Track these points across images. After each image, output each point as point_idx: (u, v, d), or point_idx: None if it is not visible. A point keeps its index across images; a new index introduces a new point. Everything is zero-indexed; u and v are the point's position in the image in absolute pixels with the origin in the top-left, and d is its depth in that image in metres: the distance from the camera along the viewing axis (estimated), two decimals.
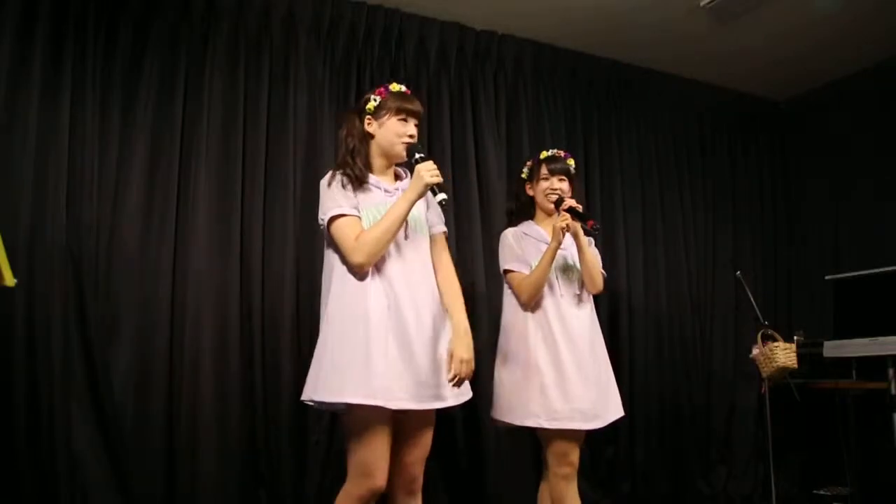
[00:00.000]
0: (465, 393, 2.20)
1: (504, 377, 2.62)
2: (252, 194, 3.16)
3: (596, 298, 3.81)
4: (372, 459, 2.03)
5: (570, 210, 2.60)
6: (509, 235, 2.75)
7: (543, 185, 2.72)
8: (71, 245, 2.81)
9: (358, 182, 2.18)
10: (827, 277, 4.03)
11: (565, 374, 2.52)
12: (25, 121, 2.77)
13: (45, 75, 2.83)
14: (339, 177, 2.19)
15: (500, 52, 3.86)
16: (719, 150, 4.56)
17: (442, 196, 2.10)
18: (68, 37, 2.89)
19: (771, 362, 3.55)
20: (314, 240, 3.24)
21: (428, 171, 2.09)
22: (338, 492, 2.10)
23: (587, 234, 2.64)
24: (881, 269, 3.73)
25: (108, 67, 2.98)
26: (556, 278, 2.65)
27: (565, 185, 2.71)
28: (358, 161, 2.20)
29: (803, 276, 4.51)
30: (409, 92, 2.29)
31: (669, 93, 4.39)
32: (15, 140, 2.75)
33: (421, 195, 2.13)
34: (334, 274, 2.17)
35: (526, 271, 2.66)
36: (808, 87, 4.61)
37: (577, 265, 2.69)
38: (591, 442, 3.70)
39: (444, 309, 2.21)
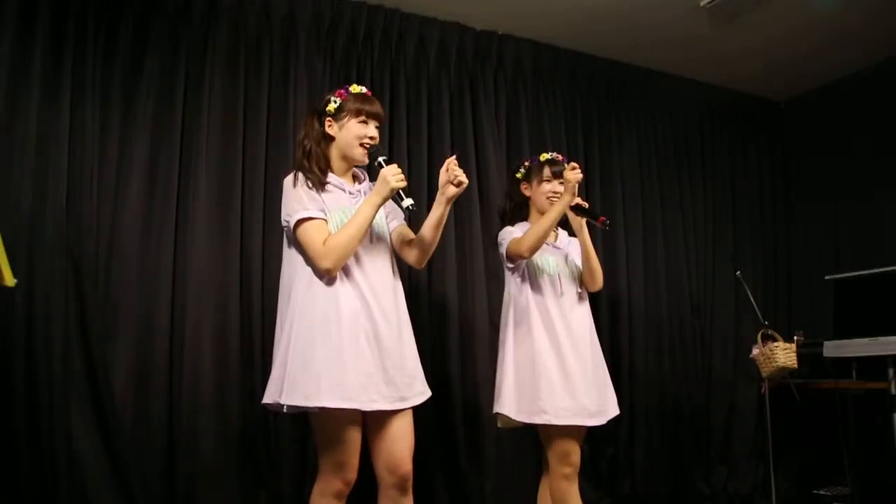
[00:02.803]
0: (425, 392, 2.22)
1: (509, 376, 2.61)
2: (252, 194, 3.16)
3: (596, 298, 3.86)
4: (345, 457, 2.06)
5: (577, 207, 2.62)
6: (514, 232, 2.71)
7: (546, 187, 2.70)
8: (71, 245, 2.81)
9: (319, 184, 2.16)
10: (827, 277, 4.03)
11: (570, 372, 2.54)
12: (25, 121, 2.77)
13: (45, 75, 2.83)
14: (301, 178, 2.16)
15: (500, 52, 3.86)
16: (719, 150, 4.56)
17: (409, 202, 2.09)
18: (68, 37, 2.89)
19: (771, 362, 3.55)
20: None
21: (393, 176, 2.07)
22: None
23: (605, 228, 2.66)
24: (881, 269, 3.73)
25: (108, 67, 2.98)
26: (559, 277, 2.65)
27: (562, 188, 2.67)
28: (314, 163, 2.18)
29: (803, 276, 4.51)
30: (369, 93, 2.27)
31: (669, 93, 4.39)
32: (15, 140, 2.75)
33: (386, 199, 2.11)
34: (298, 276, 2.14)
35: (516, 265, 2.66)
36: (808, 87, 4.61)
37: (577, 264, 2.71)
38: (591, 442, 3.71)
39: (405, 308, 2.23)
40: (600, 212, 3.95)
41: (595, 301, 3.83)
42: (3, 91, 2.75)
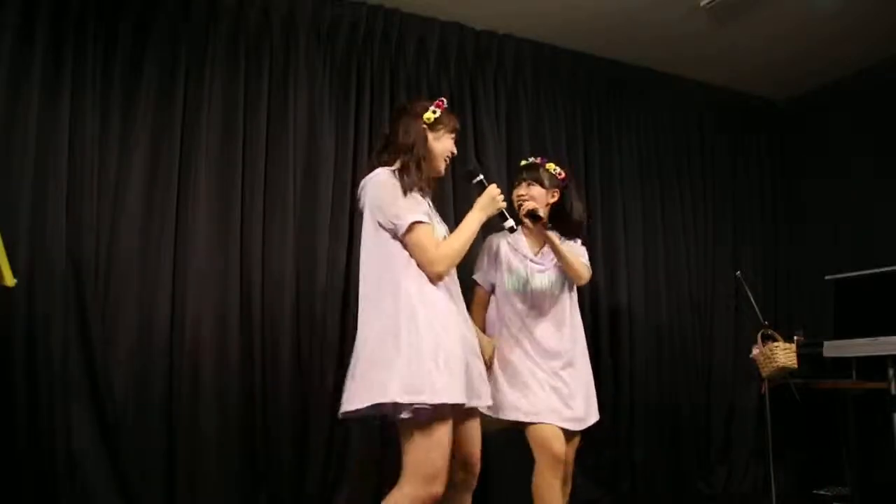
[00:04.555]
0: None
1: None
2: (252, 194, 3.16)
3: (596, 298, 3.86)
4: (442, 465, 1.98)
5: (529, 213, 2.62)
6: (484, 243, 2.78)
7: (514, 193, 2.71)
8: (71, 245, 2.81)
9: (420, 189, 2.16)
10: (827, 277, 4.03)
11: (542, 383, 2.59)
12: (25, 121, 2.77)
13: (45, 75, 2.83)
14: (405, 180, 2.12)
15: (500, 52, 3.86)
16: (719, 149, 4.56)
17: (511, 223, 2.29)
18: (68, 37, 2.90)
19: (771, 362, 3.55)
20: (314, 239, 3.24)
21: (499, 195, 2.25)
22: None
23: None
24: (881, 269, 3.73)
25: (108, 67, 2.99)
26: (530, 295, 2.66)
27: (535, 191, 2.67)
28: (422, 170, 2.17)
29: (803, 276, 4.51)
30: None
31: (669, 93, 4.39)
32: (15, 140, 2.75)
33: (491, 216, 2.26)
34: (404, 275, 2.08)
35: (486, 287, 2.74)
36: (808, 87, 4.61)
37: (553, 282, 2.68)
38: (592, 442, 3.71)
39: None
40: (600, 212, 3.98)
41: (595, 301, 3.86)
42: (3, 91, 2.75)
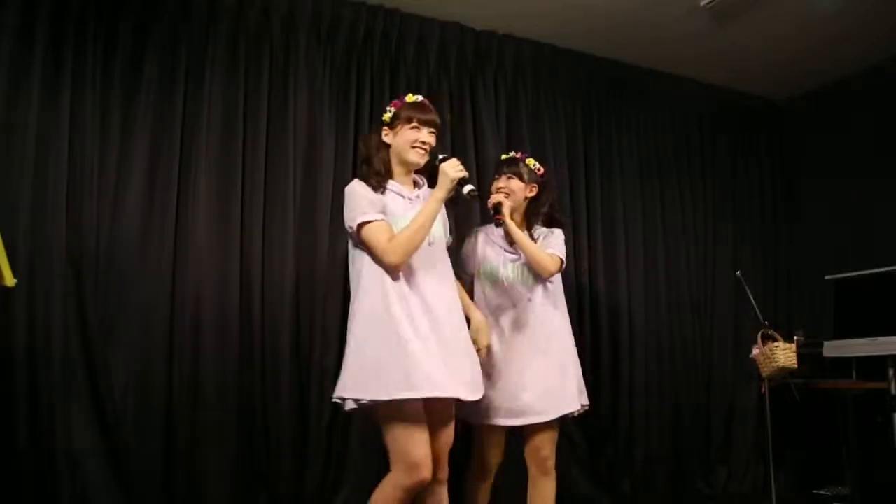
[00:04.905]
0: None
1: None
2: (252, 194, 3.16)
3: (596, 298, 3.86)
4: (422, 452, 2.14)
5: (494, 206, 2.71)
6: (469, 235, 2.89)
7: (493, 185, 2.81)
8: (71, 245, 2.81)
9: (379, 187, 2.30)
10: (827, 277, 4.03)
11: (494, 374, 2.65)
12: (25, 121, 2.77)
13: (45, 75, 2.83)
14: (362, 183, 2.31)
15: (500, 52, 3.86)
16: (719, 150, 4.56)
17: (470, 187, 2.27)
18: (68, 37, 2.89)
19: (771, 362, 3.55)
20: (314, 240, 3.24)
21: (452, 168, 2.25)
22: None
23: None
24: (881, 269, 3.73)
25: (108, 67, 2.99)
26: (502, 283, 2.72)
27: (514, 184, 2.75)
28: (373, 169, 2.33)
29: (803, 276, 4.51)
30: (426, 102, 2.41)
31: (669, 93, 4.39)
32: (15, 140, 2.75)
33: (449, 191, 2.26)
34: (363, 276, 2.26)
35: (463, 276, 2.80)
36: (808, 87, 4.61)
37: (525, 272, 2.72)
38: (592, 442, 3.71)
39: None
40: (600, 212, 3.98)
41: (595, 301, 3.86)
42: (3, 91, 2.75)
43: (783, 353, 3.54)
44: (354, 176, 3.27)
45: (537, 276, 2.71)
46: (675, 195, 4.32)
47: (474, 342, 2.44)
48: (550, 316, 2.74)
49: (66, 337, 2.76)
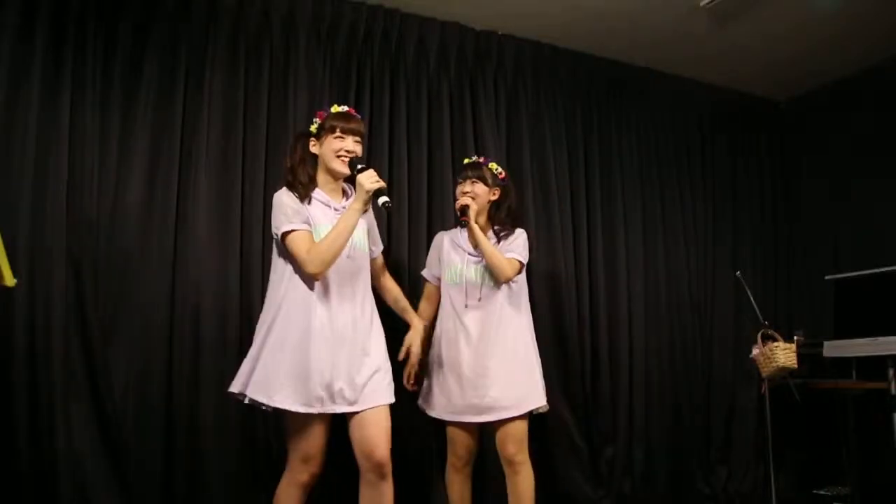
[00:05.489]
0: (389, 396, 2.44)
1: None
2: (252, 194, 3.16)
3: (596, 298, 3.86)
4: (310, 448, 2.33)
5: (461, 209, 2.84)
6: (434, 240, 3.03)
7: (458, 189, 2.91)
8: (71, 245, 2.81)
9: (305, 197, 2.39)
10: (827, 277, 4.03)
11: (462, 373, 2.76)
12: (25, 121, 2.77)
13: (45, 75, 2.83)
14: (288, 193, 2.40)
15: (500, 52, 3.86)
16: (719, 150, 4.56)
17: (384, 199, 2.31)
18: (68, 37, 2.89)
19: (771, 362, 3.55)
20: None
21: (368, 179, 2.30)
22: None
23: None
24: (881, 269, 3.73)
25: (108, 67, 2.98)
26: (465, 286, 2.82)
27: (478, 188, 2.86)
28: (297, 180, 2.42)
29: (803, 276, 4.51)
30: (351, 111, 2.50)
31: (669, 93, 4.39)
32: (15, 140, 2.75)
33: (366, 202, 2.35)
34: (283, 283, 2.36)
35: (433, 281, 2.95)
36: (808, 87, 4.61)
37: (486, 274, 2.82)
38: (592, 442, 3.71)
39: (385, 317, 2.57)
40: (600, 212, 3.98)
41: (595, 301, 3.86)
42: (3, 91, 2.74)
43: (783, 353, 3.54)
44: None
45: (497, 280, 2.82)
46: (675, 195, 4.32)
47: (407, 346, 2.63)
48: (514, 316, 2.84)
49: (66, 337, 2.76)
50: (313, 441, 2.34)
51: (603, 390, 3.80)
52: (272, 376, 2.28)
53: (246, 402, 2.35)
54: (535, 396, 2.79)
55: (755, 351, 3.65)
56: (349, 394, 2.31)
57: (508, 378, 2.74)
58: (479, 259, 2.83)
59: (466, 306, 2.81)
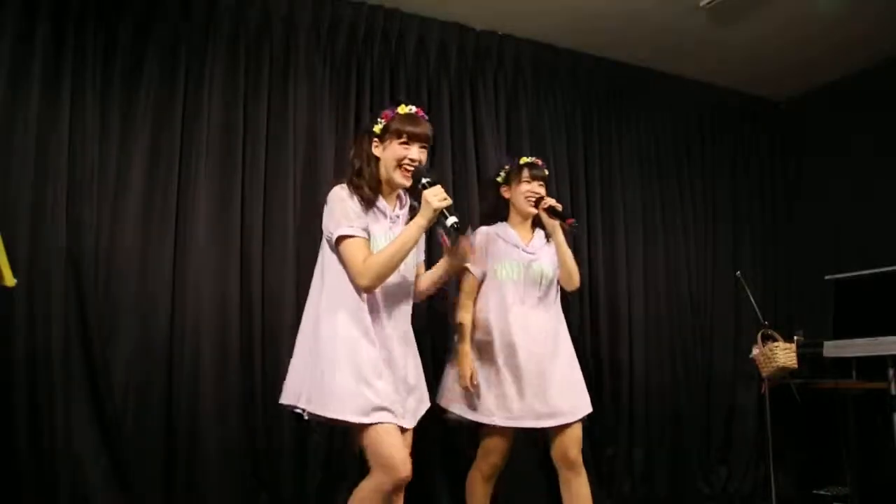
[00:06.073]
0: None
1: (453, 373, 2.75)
2: (252, 194, 3.16)
3: (596, 298, 3.86)
4: (394, 452, 2.08)
5: (550, 209, 2.74)
6: (477, 235, 2.85)
7: (524, 187, 2.81)
8: (71, 245, 2.81)
9: (367, 203, 2.20)
10: (827, 277, 4.03)
11: (518, 376, 2.64)
12: (25, 121, 2.77)
13: (45, 75, 2.83)
14: (352, 194, 2.19)
15: (500, 52, 3.86)
16: (719, 150, 4.56)
17: (453, 219, 2.08)
18: (68, 37, 2.89)
19: (771, 362, 3.55)
20: (314, 239, 3.22)
21: (435, 196, 2.08)
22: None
23: (567, 232, 2.77)
24: (881, 269, 3.73)
25: (108, 67, 2.98)
26: (522, 283, 2.74)
27: (543, 191, 2.82)
28: (364, 183, 2.21)
29: (803, 276, 4.51)
30: (419, 112, 2.27)
31: (669, 93, 4.39)
32: (15, 140, 2.75)
33: (431, 221, 2.11)
34: (331, 291, 2.20)
35: (477, 276, 2.79)
36: (808, 87, 4.61)
37: (545, 271, 2.77)
38: (592, 442, 3.71)
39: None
40: (599, 212, 3.98)
41: (595, 301, 3.86)
42: (3, 91, 2.75)
43: (783, 353, 3.54)
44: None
45: (553, 277, 2.77)
46: (675, 195, 4.32)
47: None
48: (562, 318, 2.80)
49: (66, 337, 2.76)
50: (397, 438, 2.15)
51: (603, 390, 3.79)
52: (343, 396, 2.11)
53: (305, 417, 2.20)
54: (588, 401, 2.76)
55: (755, 351, 3.65)
56: (403, 408, 2.20)
57: (568, 381, 2.70)
58: (536, 257, 2.77)
59: (525, 304, 2.72)
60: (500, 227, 2.85)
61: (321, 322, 2.17)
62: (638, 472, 3.84)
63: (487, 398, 2.65)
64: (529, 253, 2.79)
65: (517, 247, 2.79)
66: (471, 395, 2.66)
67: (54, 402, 2.68)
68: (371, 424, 2.08)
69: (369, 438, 2.09)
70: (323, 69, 3.38)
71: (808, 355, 3.81)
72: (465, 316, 2.74)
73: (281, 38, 3.34)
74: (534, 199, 2.78)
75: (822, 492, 3.92)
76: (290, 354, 3.07)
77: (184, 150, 3.07)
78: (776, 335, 3.64)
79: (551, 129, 3.91)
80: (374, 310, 2.17)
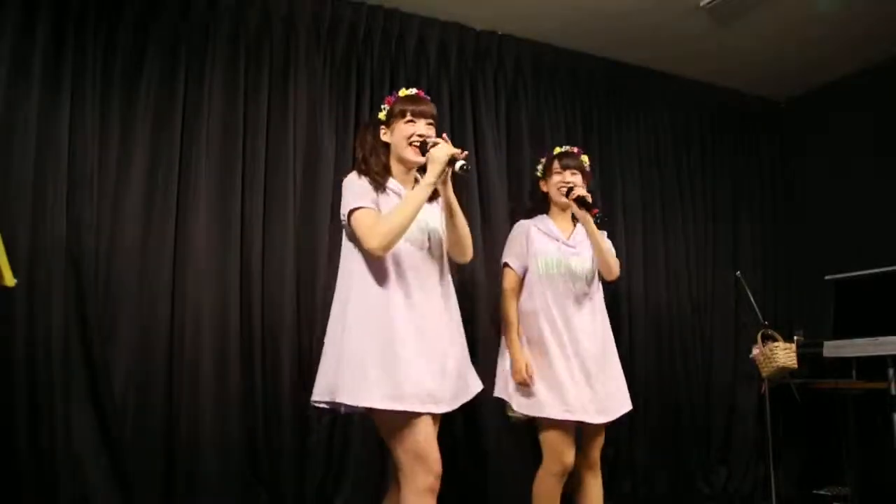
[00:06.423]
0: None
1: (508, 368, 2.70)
2: (252, 194, 3.16)
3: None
4: (422, 448, 2.06)
5: (578, 199, 2.67)
6: (516, 228, 2.83)
7: (556, 178, 2.78)
8: (71, 245, 2.81)
9: (377, 185, 2.19)
10: (827, 277, 4.03)
11: (574, 370, 2.61)
12: (25, 121, 2.77)
13: (45, 75, 2.83)
14: (360, 176, 2.21)
15: (500, 52, 3.86)
16: (719, 149, 4.56)
17: (460, 163, 2.10)
18: (68, 37, 2.89)
19: (771, 362, 3.55)
20: (314, 239, 3.24)
21: (440, 150, 2.10)
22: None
23: (595, 223, 2.69)
24: (881, 269, 3.73)
25: (108, 67, 2.98)
26: (563, 278, 2.69)
27: (578, 179, 2.75)
28: (371, 167, 2.22)
29: (803, 276, 4.51)
30: (420, 93, 2.32)
31: (669, 93, 4.39)
32: (15, 140, 2.75)
33: (439, 175, 2.11)
34: (354, 277, 2.16)
35: (518, 271, 2.76)
36: (808, 87, 4.61)
37: (585, 264, 2.74)
38: None
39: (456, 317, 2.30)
40: (600, 210, 3.97)
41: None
42: (3, 91, 2.74)
43: (783, 353, 3.54)
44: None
45: (595, 271, 2.75)
46: (675, 195, 4.32)
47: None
48: (605, 314, 2.77)
49: (66, 337, 2.76)
50: (430, 430, 2.12)
51: None
52: (369, 378, 2.05)
53: (342, 411, 2.16)
54: (627, 399, 2.74)
55: (755, 351, 3.65)
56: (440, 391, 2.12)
57: (616, 379, 2.70)
58: (577, 251, 2.74)
59: (569, 298, 2.67)
60: (539, 220, 2.81)
61: (347, 313, 2.13)
62: (638, 472, 3.84)
63: (542, 391, 2.61)
64: (570, 246, 2.75)
65: (557, 240, 2.75)
66: (527, 390, 2.62)
67: (54, 402, 2.68)
68: (401, 412, 2.02)
69: (399, 428, 2.04)
70: (323, 69, 3.38)
71: (808, 355, 3.81)
72: (509, 310, 2.73)
73: (281, 38, 3.34)
74: (565, 189, 2.74)
75: (822, 492, 3.92)
76: (290, 354, 3.12)
77: (184, 150, 3.07)
78: (776, 335, 3.64)
79: (551, 129, 3.91)
80: (402, 288, 2.13)
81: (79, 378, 2.77)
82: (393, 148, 2.27)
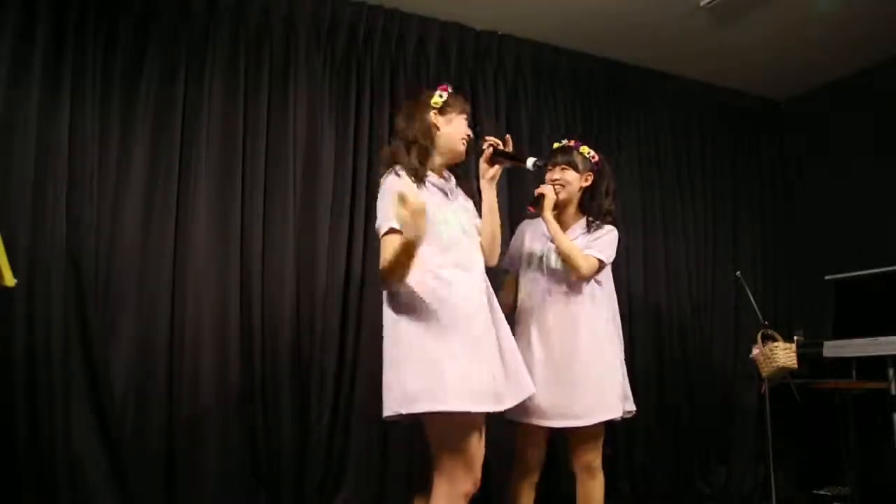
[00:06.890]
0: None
1: None
2: (252, 194, 3.16)
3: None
4: (474, 452, 2.04)
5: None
6: (518, 231, 2.79)
7: (547, 177, 2.65)
8: (71, 245, 2.81)
9: (419, 179, 2.09)
10: (827, 277, 4.03)
11: (533, 373, 2.42)
12: (25, 121, 2.77)
13: (46, 75, 2.83)
14: (402, 175, 2.08)
15: (500, 52, 3.86)
16: (719, 149, 4.56)
17: (532, 160, 2.27)
18: (68, 37, 2.89)
19: (771, 362, 3.55)
20: (314, 240, 3.24)
21: (486, 157, 2.23)
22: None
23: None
24: (881, 269, 3.73)
25: (108, 67, 2.98)
26: (545, 274, 2.60)
27: (569, 175, 2.61)
28: (415, 156, 2.11)
29: (803, 276, 4.51)
30: None
31: (669, 93, 4.39)
32: (15, 140, 2.75)
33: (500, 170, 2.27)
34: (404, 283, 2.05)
35: (511, 270, 2.74)
36: (808, 87, 4.61)
37: (561, 261, 2.59)
38: None
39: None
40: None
41: None
42: (3, 91, 2.75)
43: (783, 353, 3.53)
44: (356, 174, 3.32)
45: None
46: (674, 195, 4.32)
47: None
48: (597, 314, 2.60)
49: (66, 337, 2.76)
50: (478, 439, 2.08)
51: None
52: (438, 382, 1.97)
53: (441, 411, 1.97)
54: (609, 406, 2.54)
55: (755, 351, 3.65)
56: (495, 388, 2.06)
57: (585, 383, 2.49)
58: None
59: (547, 299, 2.56)
60: (538, 221, 2.69)
61: (399, 325, 2.05)
62: (638, 472, 3.84)
63: None
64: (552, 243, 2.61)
65: (544, 235, 2.63)
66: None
67: (54, 402, 2.68)
68: (450, 413, 1.93)
69: (445, 429, 1.98)
70: (323, 69, 3.38)
71: (808, 355, 3.81)
72: (505, 298, 2.62)
73: (281, 38, 3.34)
74: (559, 187, 2.59)
75: (822, 492, 3.92)
76: (290, 354, 3.12)
77: (184, 150, 3.07)
78: (776, 335, 3.64)
79: (551, 129, 3.91)
80: (446, 287, 2.05)
81: (79, 378, 2.77)
82: (444, 137, 2.17)
